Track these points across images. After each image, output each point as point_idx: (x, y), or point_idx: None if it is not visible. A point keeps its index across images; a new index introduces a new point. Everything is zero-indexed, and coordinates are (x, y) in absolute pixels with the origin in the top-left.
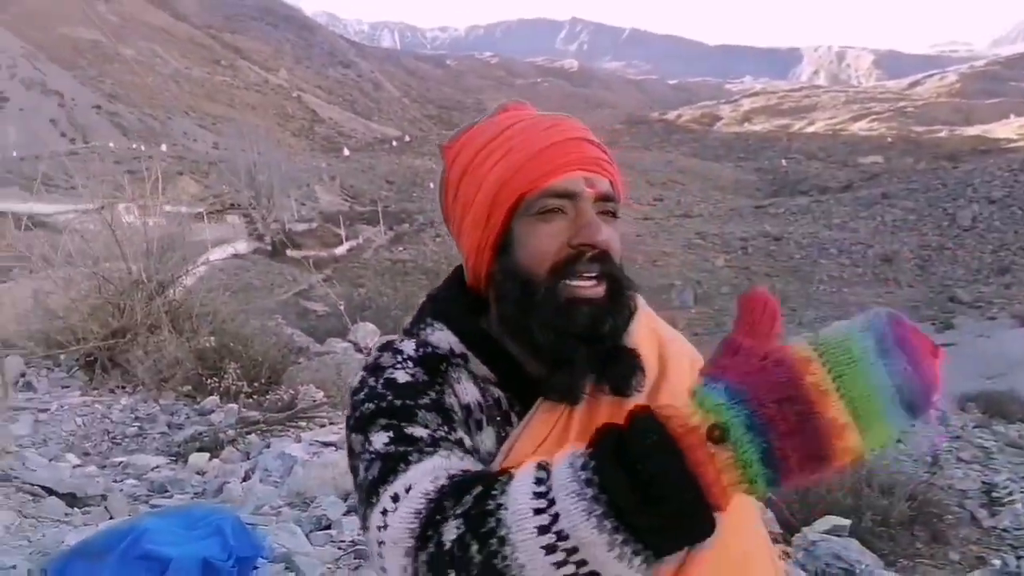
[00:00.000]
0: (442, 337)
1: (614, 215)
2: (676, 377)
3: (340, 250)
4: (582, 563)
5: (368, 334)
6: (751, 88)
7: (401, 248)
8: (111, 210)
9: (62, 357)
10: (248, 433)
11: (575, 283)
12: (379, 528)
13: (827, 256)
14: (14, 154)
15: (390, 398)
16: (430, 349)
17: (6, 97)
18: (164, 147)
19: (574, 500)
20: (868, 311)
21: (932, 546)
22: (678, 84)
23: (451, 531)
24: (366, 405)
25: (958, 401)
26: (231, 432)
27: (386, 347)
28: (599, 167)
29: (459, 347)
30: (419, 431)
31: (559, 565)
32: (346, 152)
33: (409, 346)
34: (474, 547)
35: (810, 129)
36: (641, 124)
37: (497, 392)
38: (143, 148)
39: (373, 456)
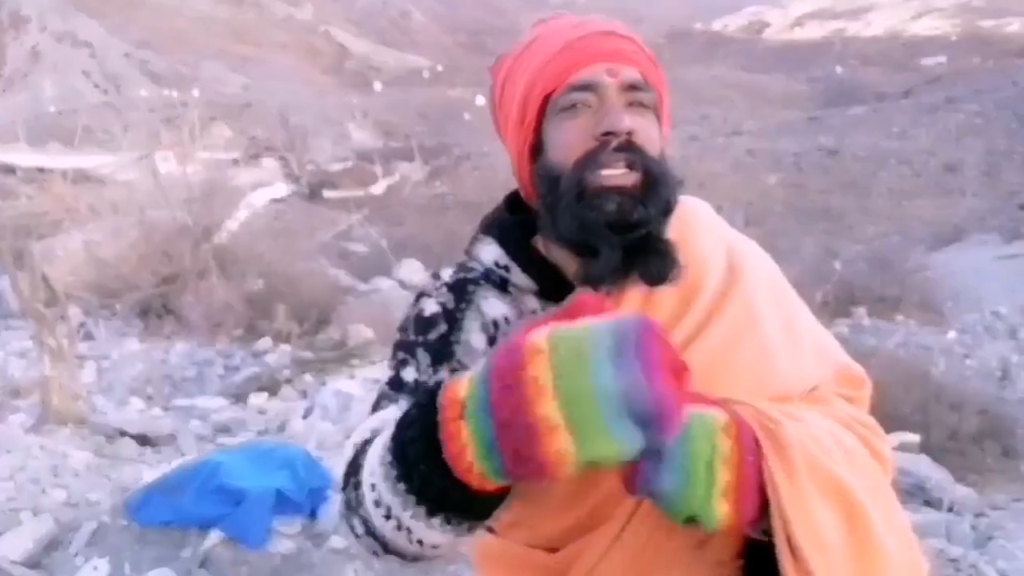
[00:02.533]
0: (489, 250)
1: (646, 106)
2: (748, 287)
3: (377, 188)
4: (404, 527)
5: (413, 271)
6: None
7: (439, 183)
8: (151, 159)
9: (117, 306)
10: (303, 373)
11: (602, 172)
12: None
13: (886, 168)
14: (52, 109)
15: (409, 332)
16: (462, 275)
17: (39, 51)
18: (196, 92)
19: (381, 466)
20: (622, 315)
21: (1003, 460)
22: None
23: (350, 489)
24: (400, 333)
25: None
26: (287, 372)
27: (434, 274)
28: (624, 57)
29: (504, 259)
30: (409, 374)
31: (397, 529)
32: (377, 87)
33: (448, 272)
34: (353, 503)
35: (867, 32)
36: (684, 37)
37: (535, 304)
38: (175, 95)
39: (387, 381)
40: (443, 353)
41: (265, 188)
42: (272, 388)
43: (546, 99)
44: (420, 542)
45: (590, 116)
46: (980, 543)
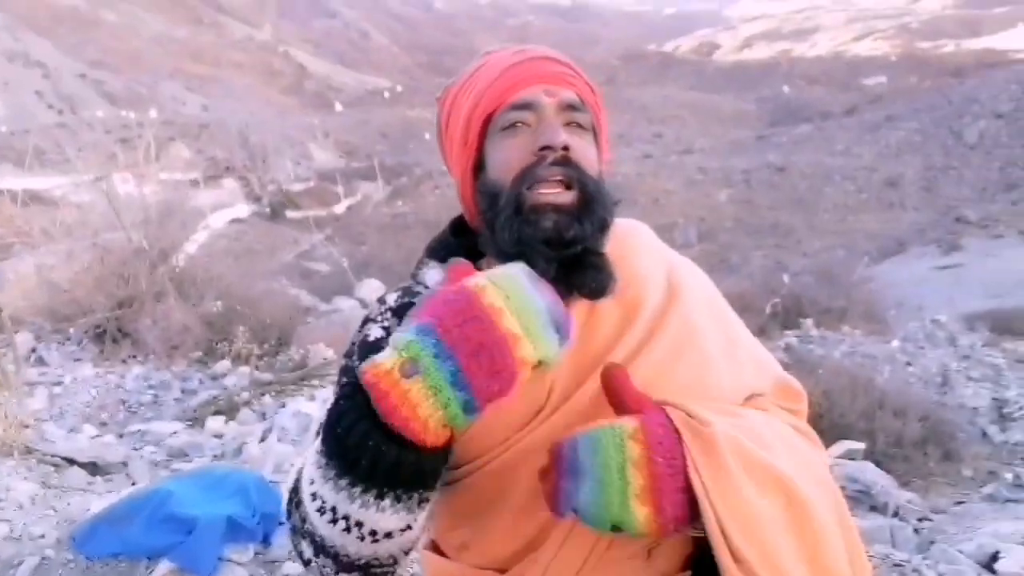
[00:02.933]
0: (434, 274)
1: (583, 127)
2: (686, 301)
3: (339, 208)
4: (352, 522)
5: (373, 290)
6: (750, 13)
7: (400, 202)
8: (107, 180)
9: (71, 330)
10: (262, 395)
11: (540, 190)
12: None
13: (831, 184)
14: (3, 129)
15: (354, 357)
16: (407, 299)
17: None
18: (154, 113)
19: (317, 470)
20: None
21: (945, 464)
22: (675, 13)
23: (293, 511)
24: (343, 360)
25: (966, 320)
26: (245, 395)
27: (380, 299)
28: (561, 79)
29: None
30: None
31: (346, 531)
32: (338, 107)
33: (392, 296)
34: (299, 524)
35: (811, 53)
36: (638, 58)
37: None
38: (132, 115)
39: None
40: None
41: (225, 209)
42: (230, 411)
43: (488, 119)
44: (373, 533)
45: (529, 134)
46: (923, 548)
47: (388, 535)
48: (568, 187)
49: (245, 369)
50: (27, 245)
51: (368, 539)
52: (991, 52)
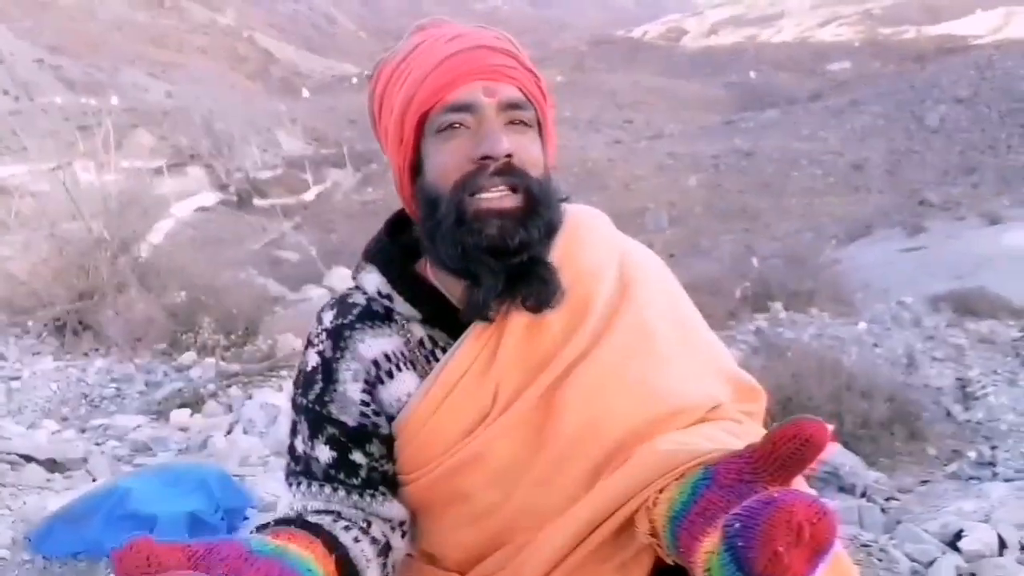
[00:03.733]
0: (371, 279)
1: (526, 123)
2: (640, 295)
3: (308, 195)
4: None
5: (343, 278)
6: None
7: (370, 189)
8: (66, 169)
9: (30, 323)
10: (228, 386)
11: (481, 196)
12: None
13: (798, 168)
14: None
15: (297, 389)
16: (340, 320)
17: None
18: (115, 100)
19: None
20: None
21: (910, 443)
22: None
23: None
24: (292, 390)
25: (930, 301)
26: (211, 387)
27: (319, 315)
28: (502, 74)
29: (385, 287)
30: (299, 444)
31: None
32: (305, 93)
33: (329, 316)
34: None
35: (777, 38)
36: (606, 44)
37: (421, 332)
38: (93, 102)
39: (288, 448)
40: (319, 423)
41: (191, 197)
42: (196, 403)
43: (423, 117)
44: None
45: (468, 137)
46: (890, 527)
47: None
48: (513, 191)
49: (211, 360)
50: None
51: None
52: (951, 38)
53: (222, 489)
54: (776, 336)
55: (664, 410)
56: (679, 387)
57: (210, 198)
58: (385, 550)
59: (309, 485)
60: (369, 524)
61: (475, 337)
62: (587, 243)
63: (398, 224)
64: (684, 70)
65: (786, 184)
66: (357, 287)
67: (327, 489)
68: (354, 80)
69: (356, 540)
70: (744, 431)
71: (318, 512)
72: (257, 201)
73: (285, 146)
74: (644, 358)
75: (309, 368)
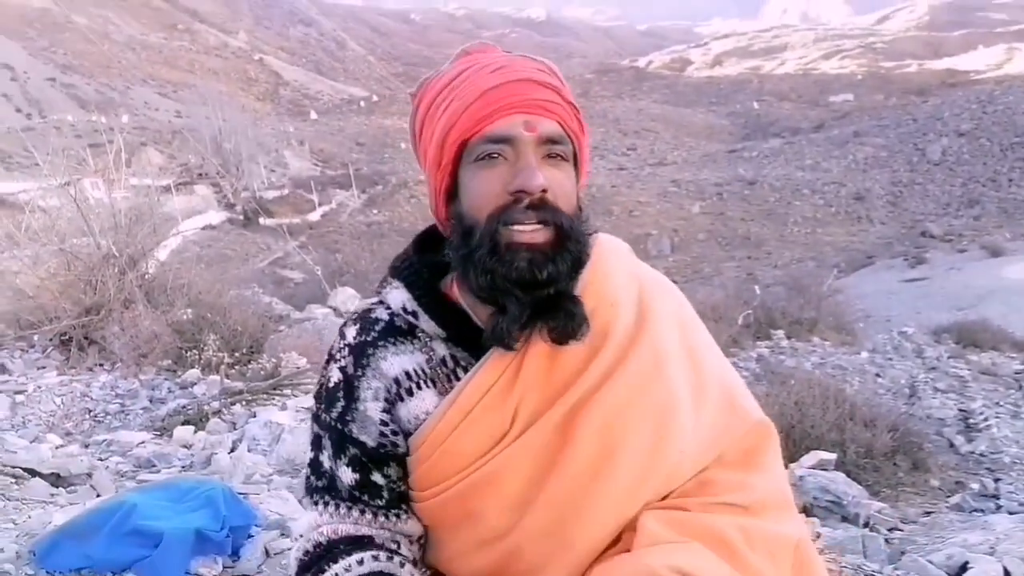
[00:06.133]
0: (397, 295)
1: (563, 158)
2: (656, 325)
3: (314, 216)
4: None
5: (347, 299)
6: (720, 30)
7: (375, 211)
8: (75, 185)
9: (35, 337)
10: (233, 404)
11: (516, 228)
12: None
13: (800, 197)
14: None
15: (321, 404)
16: (363, 337)
17: None
18: (125, 118)
19: None
20: None
21: (913, 474)
22: (648, 29)
23: None
24: (314, 404)
25: (932, 333)
26: (215, 404)
27: (341, 329)
28: (543, 108)
29: (411, 304)
30: (325, 459)
31: None
32: (313, 115)
33: (352, 331)
34: None
35: (781, 70)
36: (611, 72)
37: (444, 351)
38: (104, 120)
39: (309, 462)
40: (342, 442)
41: (198, 215)
42: (200, 420)
43: (463, 144)
44: None
45: (505, 169)
46: (894, 558)
47: None
48: (544, 224)
49: (215, 378)
50: None
51: None
52: (953, 72)
53: (228, 506)
54: (778, 364)
55: (669, 458)
56: (688, 428)
57: (217, 217)
58: (415, 566)
59: (337, 506)
60: (398, 544)
61: (497, 358)
62: (608, 273)
63: (426, 241)
64: (688, 99)
65: (788, 213)
66: (380, 301)
67: (355, 512)
68: (362, 103)
69: (411, 575)
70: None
71: (352, 540)
72: (263, 220)
73: (292, 167)
74: (656, 396)
75: (331, 384)
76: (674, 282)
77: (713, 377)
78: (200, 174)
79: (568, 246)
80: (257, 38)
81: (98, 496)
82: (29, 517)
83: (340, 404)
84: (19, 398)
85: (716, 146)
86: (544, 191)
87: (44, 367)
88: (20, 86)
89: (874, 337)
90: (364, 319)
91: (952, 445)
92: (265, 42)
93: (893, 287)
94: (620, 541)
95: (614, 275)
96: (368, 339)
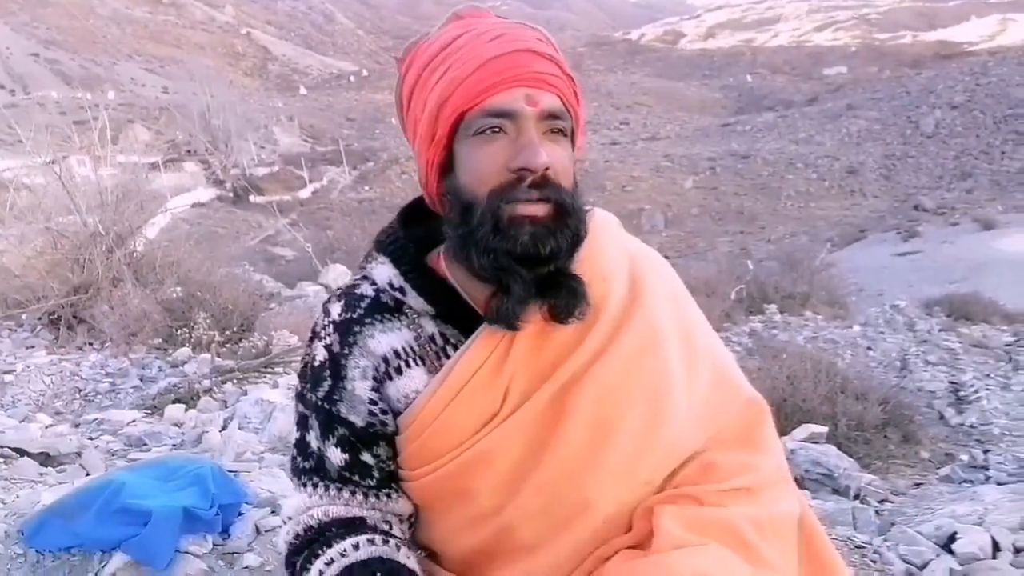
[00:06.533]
0: (383, 270)
1: (563, 133)
2: (649, 299)
3: (304, 193)
4: None
5: (339, 276)
6: (713, 2)
7: (367, 187)
8: (61, 163)
9: (23, 317)
10: (224, 382)
11: (516, 204)
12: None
13: (794, 171)
14: None
15: (306, 383)
16: (349, 314)
17: None
18: (112, 94)
19: None
20: None
21: (904, 446)
22: (640, 1)
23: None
24: (298, 383)
25: (924, 306)
26: (206, 382)
27: (325, 306)
28: (544, 82)
29: (398, 280)
30: (312, 439)
31: None
32: (303, 90)
33: (337, 307)
34: None
35: (774, 42)
36: (604, 46)
37: (432, 328)
38: (89, 96)
39: (296, 442)
40: (330, 422)
41: (187, 192)
42: (191, 398)
43: (460, 116)
44: None
45: (506, 144)
46: (884, 529)
47: None
48: (546, 201)
49: (206, 356)
50: None
51: None
52: (947, 44)
53: (218, 484)
54: (771, 338)
55: (665, 434)
56: (681, 404)
57: (206, 194)
58: (408, 548)
59: (327, 488)
60: (390, 525)
61: (488, 336)
62: (600, 248)
63: (411, 215)
64: (681, 73)
65: (782, 187)
66: (365, 277)
67: (345, 493)
68: (352, 78)
69: (408, 557)
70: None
71: (343, 522)
72: (253, 198)
73: (282, 143)
74: (651, 369)
75: (317, 362)
76: (667, 257)
77: (705, 353)
78: (188, 151)
79: (568, 222)
80: (244, 12)
81: (87, 475)
82: (17, 497)
83: (327, 383)
84: (8, 378)
85: (709, 120)
86: (546, 169)
87: (33, 347)
88: (3, 62)
89: (866, 311)
90: (349, 295)
91: (942, 417)
92: (252, 16)
93: (886, 261)
94: (631, 531)
95: (606, 250)
96: (354, 316)
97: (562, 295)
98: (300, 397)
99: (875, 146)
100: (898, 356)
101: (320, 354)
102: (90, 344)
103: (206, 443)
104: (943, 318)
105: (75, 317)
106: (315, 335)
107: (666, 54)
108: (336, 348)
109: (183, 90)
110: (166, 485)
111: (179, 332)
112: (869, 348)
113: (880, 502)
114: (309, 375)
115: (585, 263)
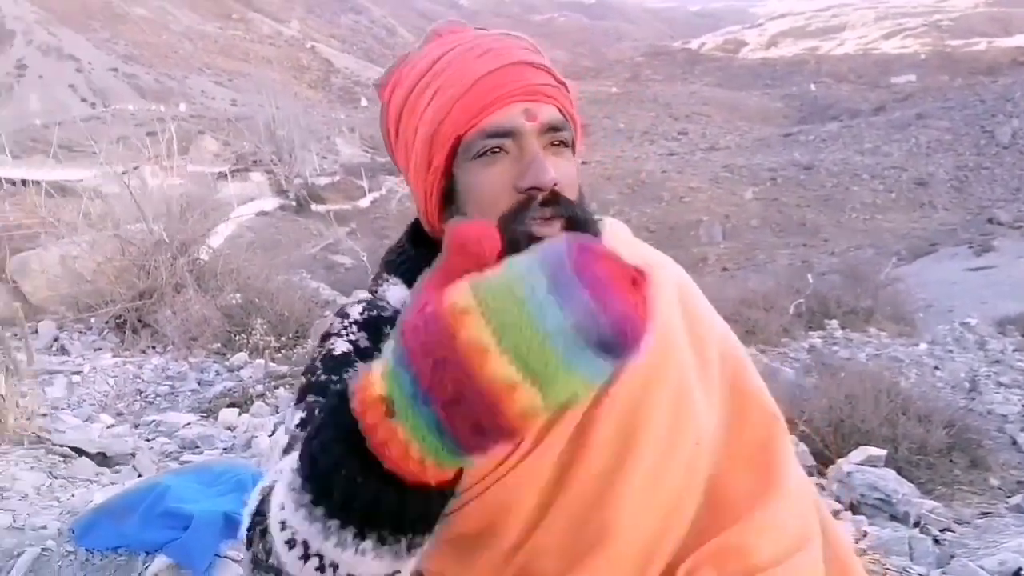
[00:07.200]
0: (396, 291)
1: (565, 144)
2: (662, 320)
3: (364, 202)
4: (328, 562)
5: (393, 284)
6: (776, 10)
7: None
8: (134, 173)
9: (92, 320)
10: (276, 387)
11: (529, 225)
12: None
13: (859, 182)
14: (37, 122)
15: (319, 373)
16: (375, 312)
17: (25, 64)
18: (183, 107)
19: (291, 492)
20: (548, 241)
21: (971, 472)
22: (700, 10)
23: (256, 540)
24: (305, 376)
25: (997, 324)
26: (260, 387)
27: (340, 310)
28: (541, 94)
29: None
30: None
31: (320, 571)
32: (364, 102)
33: (356, 309)
34: (263, 557)
35: (839, 50)
36: (663, 55)
37: None
38: (162, 109)
39: (288, 433)
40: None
41: (252, 202)
42: (244, 403)
43: (457, 140)
44: None
45: (509, 164)
46: (943, 561)
47: None
48: (558, 218)
49: (261, 362)
50: (52, 235)
51: None
52: None
53: None
54: (831, 355)
55: (690, 444)
56: (702, 412)
57: (270, 203)
58: None
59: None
60: None
61: None
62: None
63: (419, 232)
64: (742, 82)
65: (846, 199)
66: (378, 299)
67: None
68: None
69: None
70: None
71: None
72: (315, 206)
73: (343, 153)
74: (670, 379)
75: (339, 352)
76: (724, 269)
77: (715, 362)
78: (254, 161)
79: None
80: (309, 26)
81: (139, 476)
82: (72, 496)
83: (351, 371)
84: (75, 379)
85: (770, 130)
86: (555, 184)
87: (100, 349)
88: (85, 76)
89: (934, 328)
90: (368, 303)
91: (1015, 443)
92: (317, 30)
93: (957, 276)
94: None
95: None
96: (383, 316)
97: None
98: (310, 387)
99: (946, 157)
100: (967, 377)
101: (342, 346)
102: (153, 347)
103: (255, 448)
104: (1017, 337)
105: (140, 321)
106: (329, 335)
107: (727, 63)
108: (364, 343)
109: (250, 102)
110: (208, 490)
111: (237, 337)
112: (936, 367)
113: (941, 531)
114: (327, 365)
115: None
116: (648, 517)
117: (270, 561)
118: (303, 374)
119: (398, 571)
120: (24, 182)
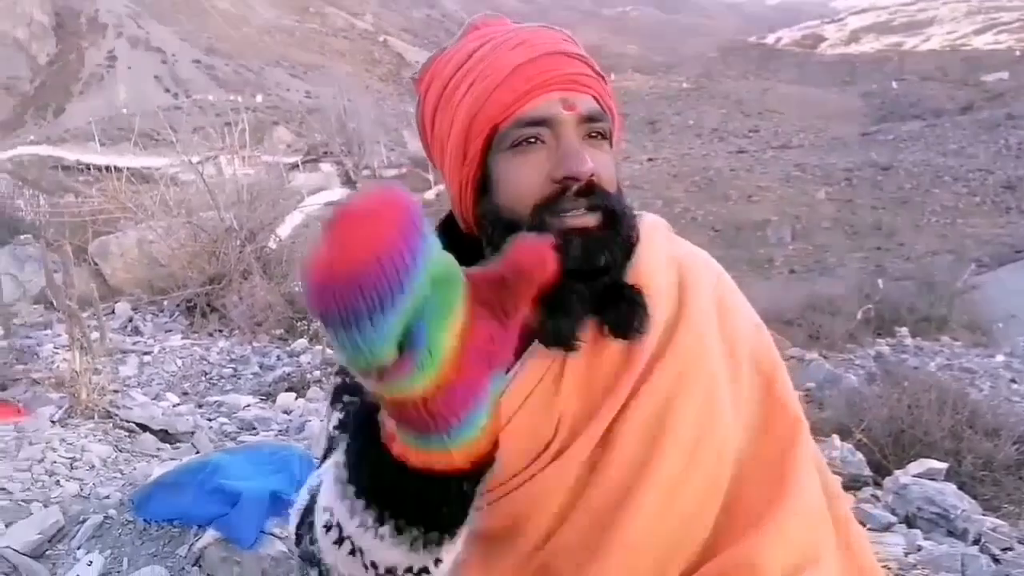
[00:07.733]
0: None
1: (603, 136)
2: (696, 310)
3: (429, 194)
4: (356, 547)
5: None
6: (858, 4)
7: None
8: (208, 162)
9: (165, 303)
10: (332, 374)
11: (564, 216)
12: None
13: (940, 184)
14: (124, 111)
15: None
16: None
17: (115, 56)
18: (259, 98)
19: (336, 473)
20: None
21: None
22: (778, 4)
23: (305, 534)
24: (340, 376)
25: None
26: (317, 373)
27: None
28: (579, 84)
29: None
30: None
31: (351, 554)
32: None
33: None
34: (307, 550)
35: (925, 47)
36: (736, 50)
37: None
38: (240, 100)
39: (328, 435)
40: None
41: (321, 192)
42: (302, 387)
43: (493, 130)
44: (373, 566)
45: (546, 154)
46: None
47: (391, 572)
48: (593, 210)
49: (319, 348)
50: (131, 220)
51: (371, 572)
52: None
53: (303, 471)
54: (898, 363)
55: (706, 468)
56: (729, 424)
57: (339, 193)
58: None
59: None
60: None
61: (539, 358)
62: (647, 256)
63: (450, 227)
64: (819, 79)
65: (926, 202)
66: None
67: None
68: None
69: None
70: None
71: None
72: None
73: (411, 146)
74: (698, 387)
75: None
76: (792, 271)
77: (746, 361)
78: (325, 152)
79: (620, 230)
80: (382, 20)
81: (196, 453)
82: (135, 469)
83: None
84: (146, 358)
85: (847, 129)
86: (592, 175)
87: (171, 330)
88: (169, 68)
89: (1014, 339)
90: None
91: None
92: (390, 23)
93: None
94: None
95: (653, 258)
96: None
97: (622, 309)
98: (345, 388)
99: None
100: None
101: None
102: (220, 331)
103: (308, 431)
104: None
105: (209, 305)
106: None
107: (804, 59)
108: None
109: (323, 94)
110: (257, 469)
111: (299, 324)
112: (1013, 380)
113: (1003, 550)
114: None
115: (635, 272)
116: (666, 525)
117: (312, 549)
118: (336, 373)
119: (425, 568)
120: (109, 169)
